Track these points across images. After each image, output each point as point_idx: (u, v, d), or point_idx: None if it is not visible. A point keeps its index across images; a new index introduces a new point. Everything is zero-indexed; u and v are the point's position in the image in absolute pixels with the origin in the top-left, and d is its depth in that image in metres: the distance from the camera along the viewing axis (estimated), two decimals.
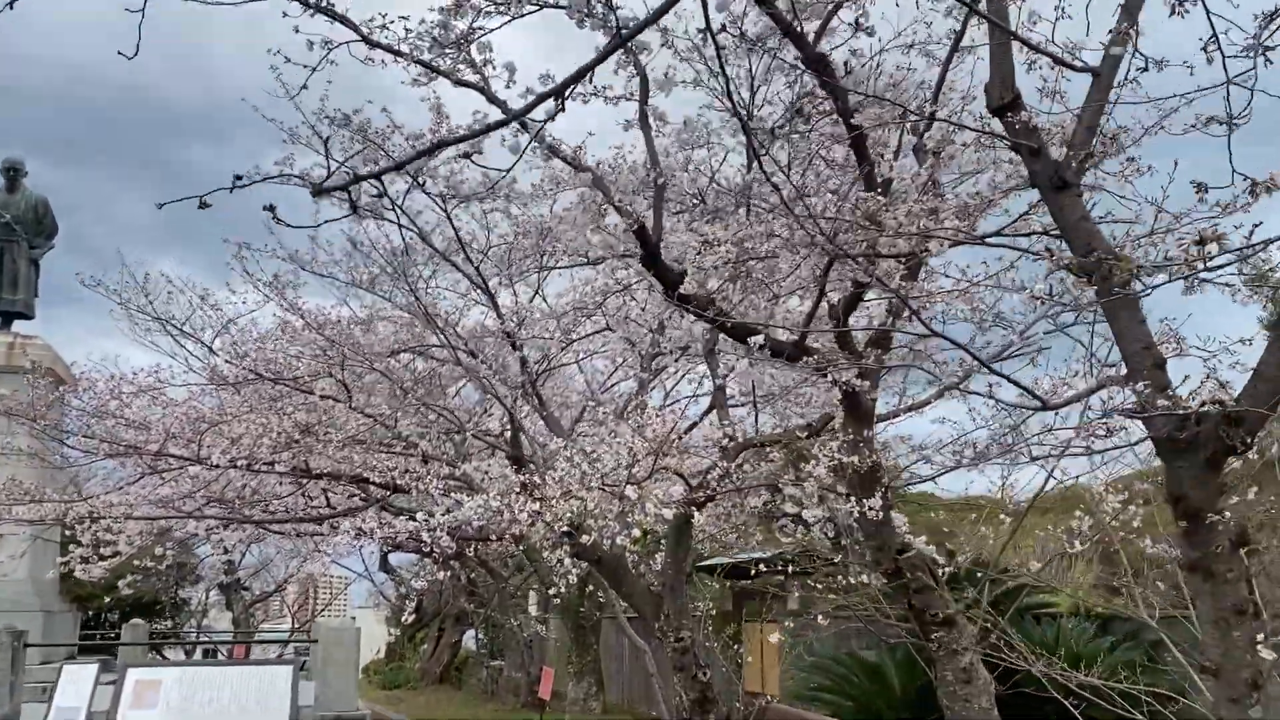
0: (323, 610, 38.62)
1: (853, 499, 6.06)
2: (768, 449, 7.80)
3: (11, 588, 15.71)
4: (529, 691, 16.42)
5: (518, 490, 6.74)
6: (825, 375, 5.72)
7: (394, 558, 24.12)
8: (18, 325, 18.68)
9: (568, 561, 12.16)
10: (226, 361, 11.10)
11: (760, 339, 5.42)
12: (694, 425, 9.45)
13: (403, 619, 22.77)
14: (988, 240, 5.31)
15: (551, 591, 11.96)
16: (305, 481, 12.45)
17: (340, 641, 12.91)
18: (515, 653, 17.53)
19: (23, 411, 11.94)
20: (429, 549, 10.55)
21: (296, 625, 33.86)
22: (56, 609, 17.06)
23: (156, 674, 10.20)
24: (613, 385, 14.49)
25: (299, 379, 11.10)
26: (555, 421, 11.47)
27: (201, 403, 11.31)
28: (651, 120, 5.45)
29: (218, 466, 10.05)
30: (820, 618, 7.27)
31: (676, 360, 10.46)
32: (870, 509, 5.88)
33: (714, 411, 10.86)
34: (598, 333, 10.92)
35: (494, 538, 15.21)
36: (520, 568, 19.65)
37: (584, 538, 8.25)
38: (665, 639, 8.29)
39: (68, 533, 12.48)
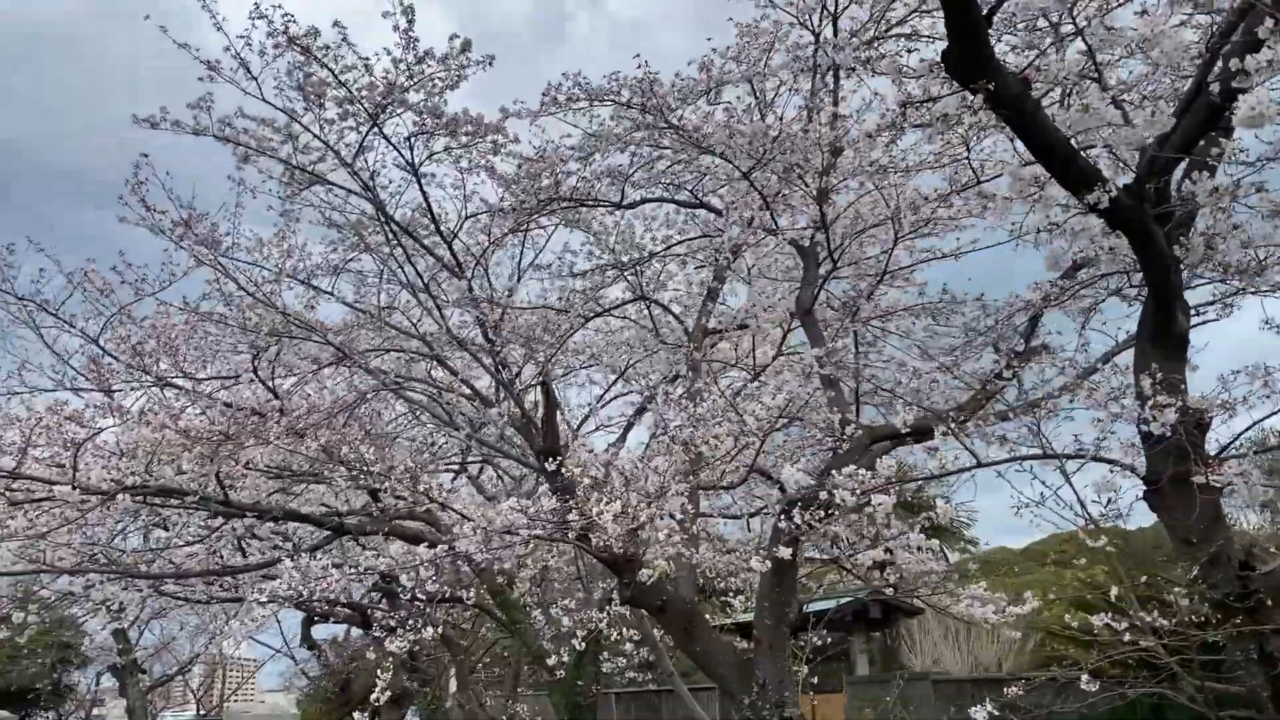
0: (232, 694, 34.79)
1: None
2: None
3: None
4: None
5: (590, 487, 4.14)
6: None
7: (318, 630, 20.86)
8: None
9: (567, 621, 9.48)
10: (113, 357, 8.36)
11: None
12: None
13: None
14: None
15: (551, 662, 9.23)
16: (219, 523, 9.63)
17: None
18: None
19: None
20: (409, 596, 7.89)
21: (202, 712, 30.16)
22: None
23: None
24: (610, 401, 12.03)
25: (208, 380, 8.42)
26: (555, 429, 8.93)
27: (83, 410, 8.49)
28: None
29: (100, 493, 7.25)
30: (1085, 680, 4.69)
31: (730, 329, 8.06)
32: (1212, 478, 3.47)
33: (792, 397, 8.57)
34: (628, 303, 8.50)
35: (478, 586, 12.31)
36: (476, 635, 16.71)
37: (643, 572, 5.66)
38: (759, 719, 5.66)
39: None
